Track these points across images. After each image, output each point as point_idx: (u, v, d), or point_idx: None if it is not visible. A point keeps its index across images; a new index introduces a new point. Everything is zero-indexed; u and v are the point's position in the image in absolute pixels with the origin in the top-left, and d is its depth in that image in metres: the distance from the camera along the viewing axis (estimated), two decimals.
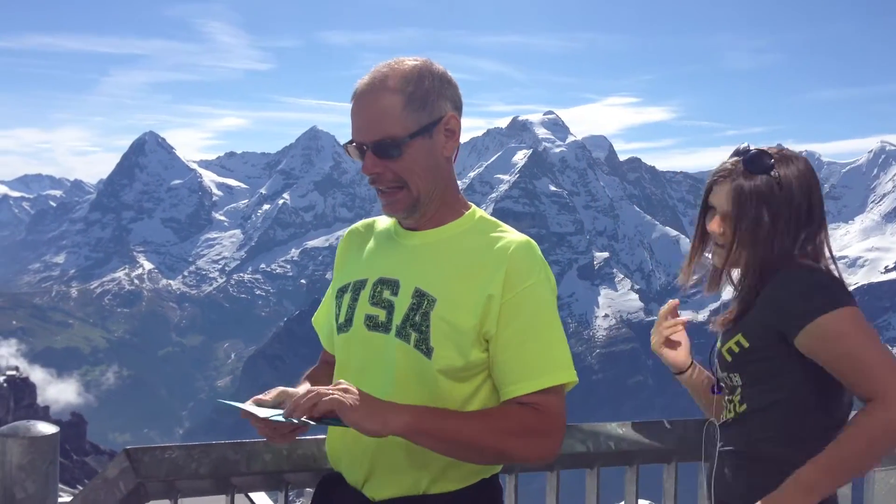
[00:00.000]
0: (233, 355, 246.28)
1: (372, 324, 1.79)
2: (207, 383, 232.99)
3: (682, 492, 2.54)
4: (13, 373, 70.64)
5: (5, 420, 62.50)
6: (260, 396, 1.72)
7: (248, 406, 1.63)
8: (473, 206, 1.87)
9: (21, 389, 67.52)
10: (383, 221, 1.96)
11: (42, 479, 1.73)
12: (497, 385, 1.74)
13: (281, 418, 1.58)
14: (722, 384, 2.13)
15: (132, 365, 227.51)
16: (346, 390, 1.58)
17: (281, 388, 1.75)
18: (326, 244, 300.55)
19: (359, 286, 1.84)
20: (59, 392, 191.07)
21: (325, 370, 1.99)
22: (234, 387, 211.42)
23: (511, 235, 1.79)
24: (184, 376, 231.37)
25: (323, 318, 2.01)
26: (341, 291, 1.89)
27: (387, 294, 1.78)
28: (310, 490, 2.01)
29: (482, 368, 1.74)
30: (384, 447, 1.72)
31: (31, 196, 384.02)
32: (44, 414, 68.42)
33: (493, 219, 1.84)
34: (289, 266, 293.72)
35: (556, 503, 2.39)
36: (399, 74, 1.73)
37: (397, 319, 1.75)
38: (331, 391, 1.56)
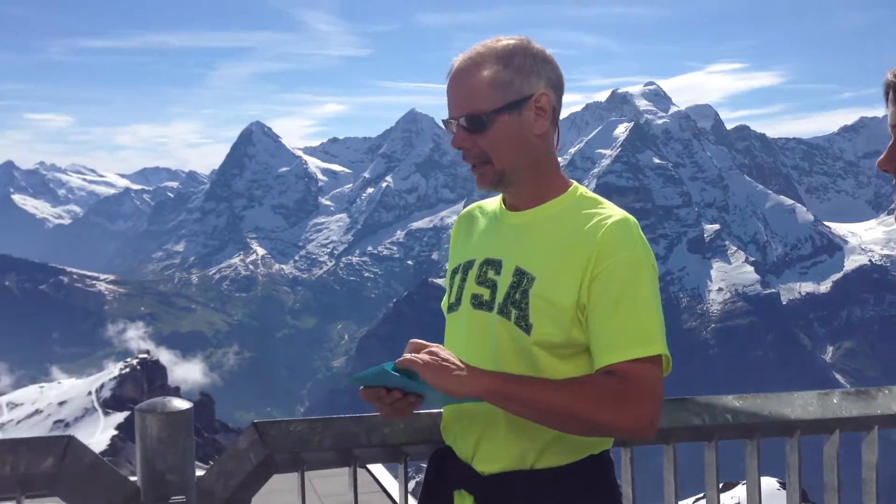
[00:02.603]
0: (346, 336, 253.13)
1: (477, 302, 1.85)
2: (324, 363, 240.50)
3: (806, 466, 2.48)
4: (145, 355, 75.31)
5: (140, 400, 66.61)
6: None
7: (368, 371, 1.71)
8: (575, 183, 1.89)
9: (153, 371, 71.97)
10: (492, 203, 2.01)
11: (180, 452, 1.83)
12: (593, 357, 1.77)
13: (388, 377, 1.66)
14: None
15: (252, 347, 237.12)
16: (432, 353, 1.67)
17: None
18: (430, 225, 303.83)
19: (467, 267, 1.92)
20: (186, 373, 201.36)
21: None
22: (349, 367, 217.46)
23: (608, 212, 1.80)
24: (301, 357, 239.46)
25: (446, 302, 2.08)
26: (454, 273, 1.97)
27: (491, 274, 1.85)
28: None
29: (584, 348, 1.78)
30: (491, 421, 1.78)
31: (151, 188, 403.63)
32: (175, 394, 72.59)
33: (595, 195, 1.87)
34: (395, 248, 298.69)
35: (674, 477, 2.36)
36: (490, 52, 1.79)
37: (499, 297, 1.80)
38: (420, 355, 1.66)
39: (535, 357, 1.75)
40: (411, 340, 1.77)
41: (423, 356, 1.65)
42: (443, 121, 1.85)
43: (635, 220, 1.79)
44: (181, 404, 1.86)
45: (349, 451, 2.07)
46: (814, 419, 2.43)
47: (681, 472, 2.37)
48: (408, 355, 1.66)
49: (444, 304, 2.03)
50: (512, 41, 1.80)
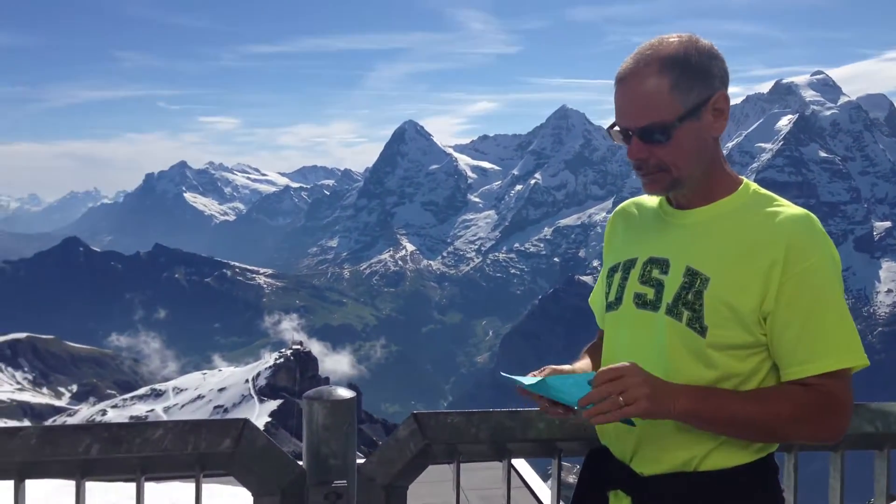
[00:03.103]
0: (490, 332, 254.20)
1: (641, 302, 1.80)
2: (467, 359, 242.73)
3: None
4: (298, 347, 77.86)
5: (293, 389, 69.12)
6: (534, 373, 1.76)
7: (527, 378, 1.69)
8: (745, 179, 1.81)
9: (305, 362, 74.28)
10: (650, 200, 1.94)
11: (343, 439, 1.92)
12: (778, 364, 1.71)
13: (565, 398, 1.64)
14: None
15: (399, 341, 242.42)
16: (630, 385, 1.58)
17: (551, 368, 1.79)
18: (578, 222, 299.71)
19: (629, 265, 1.86)
20: (335, 364, 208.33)
21: (601, 348, 2.00)
22: (493, 363, 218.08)
23: (789, 210, 1.72)
24: (445, 352, 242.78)
25: (597, 298, 2.02)
26: (612, 271, 1.90)
27: (656, 273, 1.79)
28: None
29: (762, 348, 1.71)
30: (654, 422, 1.71)
31: (309, 186, 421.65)
32: (325, 384, 74.99)
33: (769, 193, 1.79)
34: (542, 245, 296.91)
35: (842, 485, 2.29)
36: (664, 54, 1.67)
37: (668, 297, 1.74)
38: (618, 398, 1.57)
39: (711, 358, 1.69)
40: (552, 368, 1.78)
41: (608, 406, 1.57)
42: (609, 130, 1.76)
43: (815, 216, 1.71)
44: (345, 393, 1.95)
45: (504, 444, 2.10)
46: None
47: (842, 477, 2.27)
48: (601, 414, 1.57)
49: (593, 301, 2.04)
50: (682, 39, 1.70)
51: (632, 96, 1.69)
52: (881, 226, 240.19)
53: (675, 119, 1.66)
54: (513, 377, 1.69)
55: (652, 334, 1.77)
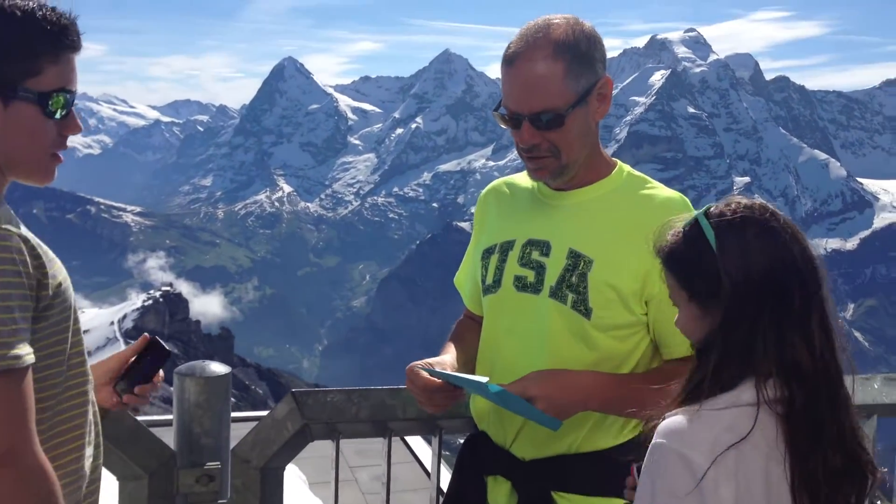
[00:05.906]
0: (367, 276, 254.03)
1: (521, 285, 1.79)
2: (343, 303, 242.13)
3: None
4: (168, 288, 75.21)
5: (162, 332, 66.83)
6: (419, 366, 1.75)
7: (450, 372, 1.70)
8: (619, 162, 1.85)
9: (175, 304, 71.82)
10: (523, 180, 1.93)
11: (217, 416, 1.85)
12: (660, 344, 1.76)
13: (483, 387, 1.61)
14: None
15: (274, 283, 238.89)
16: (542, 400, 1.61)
17: (435, 360, 1.81)
18: (458, 168, 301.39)
19: (506, 247, 1.84)
20: (204, 306, 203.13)
21: (470, 328, 1.99)
22: (369, 307, 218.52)
23: (665, 193, 1.78)
24: (321, 295, 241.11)
25: (465, 278, 2.02)
26: (487, 252, 1.88)
27: (536, 255, 1.78)
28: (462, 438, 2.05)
29: (642, 327, 1.75)
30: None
31: (181, 121, 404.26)
32: (196, 327, 72.77)
33: (642, 175, 1.83)
34: (421, 189, 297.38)
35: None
36: (555, 39, 1.67)
37: (550, 280, 1.75)
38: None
39: (594, 340, 1.73)
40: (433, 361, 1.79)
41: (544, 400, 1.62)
42: (495, 111, 1.76)
43: (687, 199, 1.77)
44: (219, 369, 1.88)
45: (384, 423, 2.08)
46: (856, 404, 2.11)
47: None
48: (541, 404, 1.61)
49: (459, 281, 2.05)
50: (568, 23, 1.71)
51: (525, 81, 1.67)
52: (740, 181, 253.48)
53: (568, 106, 1.67)
54: (438, 374, 1.68)
55: (534, 317, 1.76)
